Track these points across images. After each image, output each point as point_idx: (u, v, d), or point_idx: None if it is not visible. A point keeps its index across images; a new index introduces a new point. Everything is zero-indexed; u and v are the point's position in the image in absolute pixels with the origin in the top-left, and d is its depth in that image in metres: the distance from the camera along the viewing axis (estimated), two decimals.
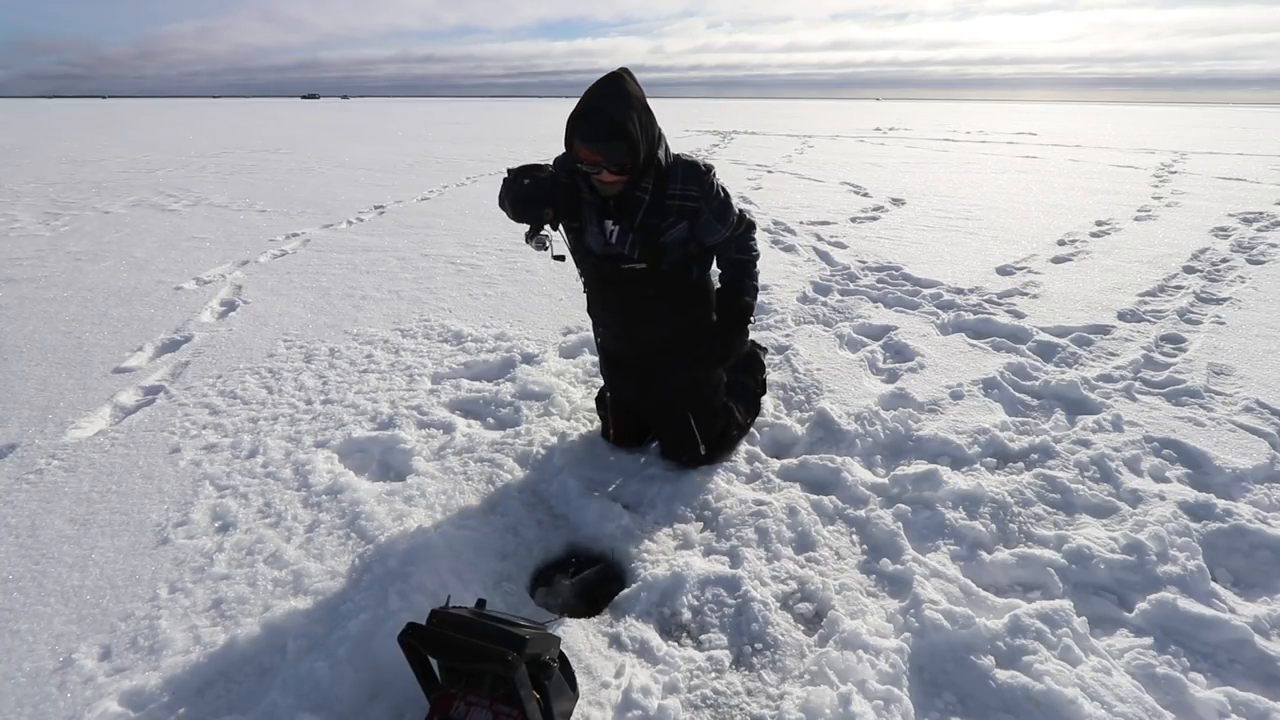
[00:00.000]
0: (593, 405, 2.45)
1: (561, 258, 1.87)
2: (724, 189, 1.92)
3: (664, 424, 2.11)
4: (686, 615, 1.55)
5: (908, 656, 1.42)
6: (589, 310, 2.18)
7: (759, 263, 2.07)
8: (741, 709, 1.33)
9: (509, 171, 1.78)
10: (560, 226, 1.88)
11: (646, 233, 1.85)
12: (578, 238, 1.94)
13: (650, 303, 1.96)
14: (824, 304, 3.83)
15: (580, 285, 2.12)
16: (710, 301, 2.06)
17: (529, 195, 1.71)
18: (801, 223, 6.02)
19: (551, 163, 1.89)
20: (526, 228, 1.76)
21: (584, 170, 1.73)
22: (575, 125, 1.69)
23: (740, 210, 1.98)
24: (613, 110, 1.65)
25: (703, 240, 1.93)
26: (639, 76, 1.76)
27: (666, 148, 1.86)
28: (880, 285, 4.17)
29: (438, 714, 1.07)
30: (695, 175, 1.84)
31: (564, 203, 1.78)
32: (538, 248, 1.78)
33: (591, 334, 3.18)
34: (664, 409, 2.07)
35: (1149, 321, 3.56)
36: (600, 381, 2.64)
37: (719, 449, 2.14)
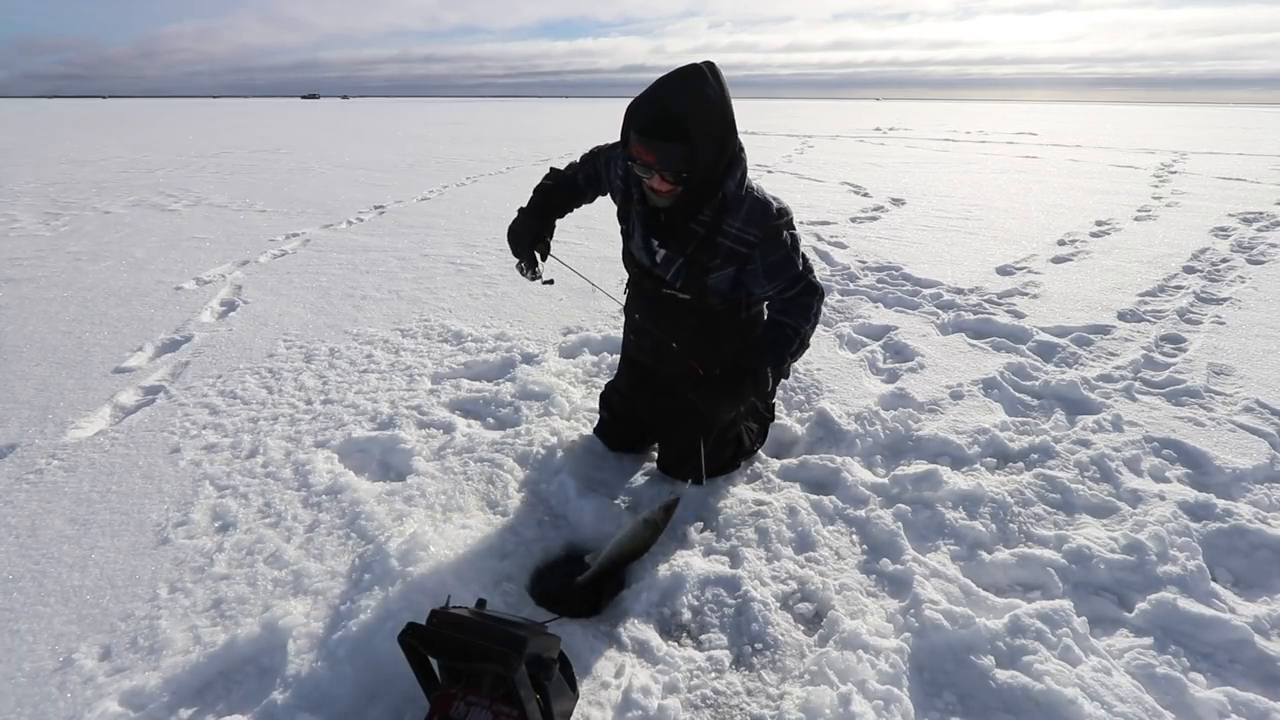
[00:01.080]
0: (593, 405, 2.45)
1: (550, 282, 1.91)
2: (793, 241, 1.64)
3: (671, 440, 2.02)
4: (686, 615, 1.55)
5: (908, 656, 1.42)
6: (625, 311, 2.03)
7: (808, 336, 1.69)
8: (741, 709, 1.33)
9: (541, 185, 1.88)
10: (548, 255, 1.88)
11: (693, 268, 1.65)
12: (625, 239, 1.82)
13: (689, 330, 1.77)
14: (824, 304, 3.82)
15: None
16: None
17: (514, 234, 1.81)
18: (801, 223, 6.01)
19: (595, 152, 1.87)
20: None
21: (636, 171, 1.53)
22: (633, 115, 1.48)
23: (806, 273, 1.67)
24: (677, 107, 1.42)
25: (750, 289, 1.72)
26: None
27: (743, 175, 1.59)
28: (880, 285, 4.17)
29: (438, 714, 1.07)
30: (760, 216, 1.59)
31: (549, 240, 1.85)
32: (529, 278, 1.86)
33: (591, 334, 3.20)
34: (676, 426, 1.95)
35: (1149, 321, 3.56)
36: (600, 380, 2.64)
37: (720, 473, 2.05)
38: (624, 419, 2.14)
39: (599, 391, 2.52)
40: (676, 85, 1.44)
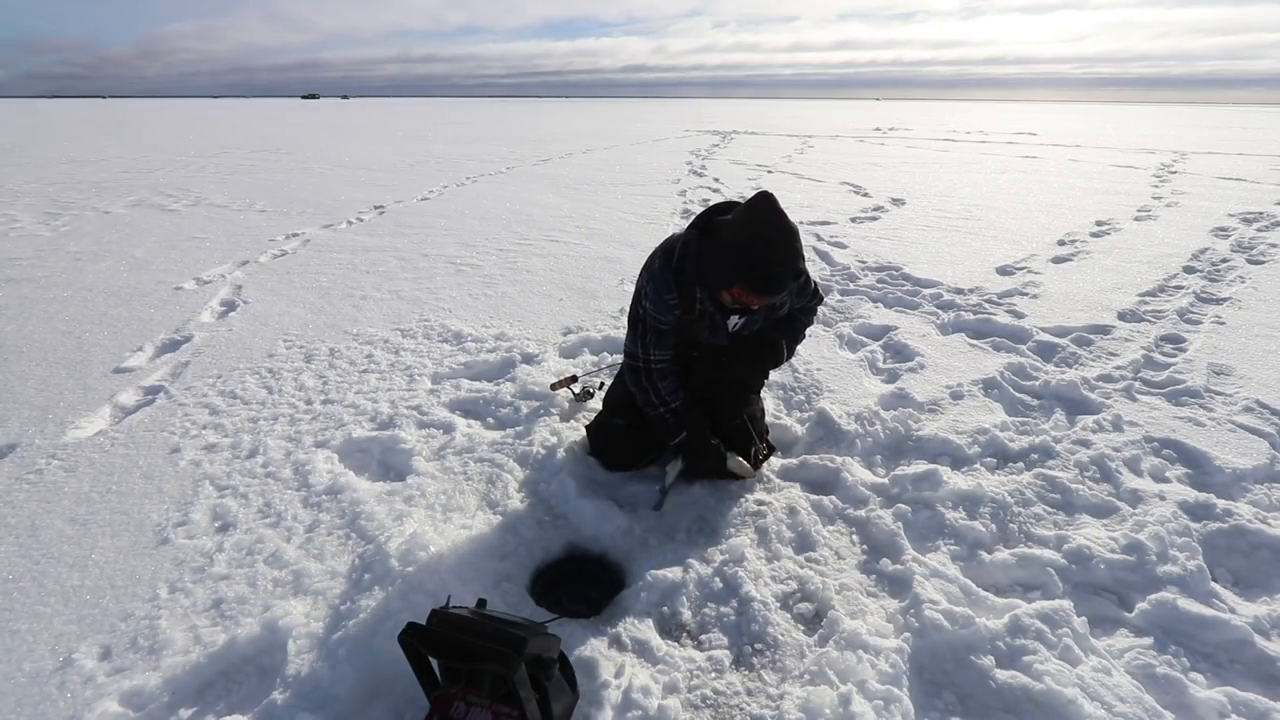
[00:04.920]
0: (594, 405, 2.45)
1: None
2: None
3: (717, 430, 2.02)
4: (686, 615, 1.55)
5: (908, 656, 1.42)
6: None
7: (808, 328, 2.12)
8: (741, 709, 1.33)
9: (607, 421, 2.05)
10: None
11: (771, 312, 1.93)
12: (680, 334, 1.90)
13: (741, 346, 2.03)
14: (824, 304, 3.82)
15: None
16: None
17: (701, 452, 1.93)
18: (801, 223, 6.03)
19: (664, 257, 1.79)
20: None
21: (731, 301, 1.72)
22: (748, 277, 1.60)
23: (816, 288, 2.05)
24: (790, 264, 1.60)
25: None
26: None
27: None
28: (880, 285, 4.17)
29: (437, 714, 1.07)
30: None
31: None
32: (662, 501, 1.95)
33: (591, 333, 3.20)
34: (718, 413, 2.04)
35: (1149, 321, 3.56)
36: (599, 378, 2.64)
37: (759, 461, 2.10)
38: (630, 438, 2.06)
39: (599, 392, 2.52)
40: (782, 244, 1.58)
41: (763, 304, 1.74)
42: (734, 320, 1.90)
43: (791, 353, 2.07)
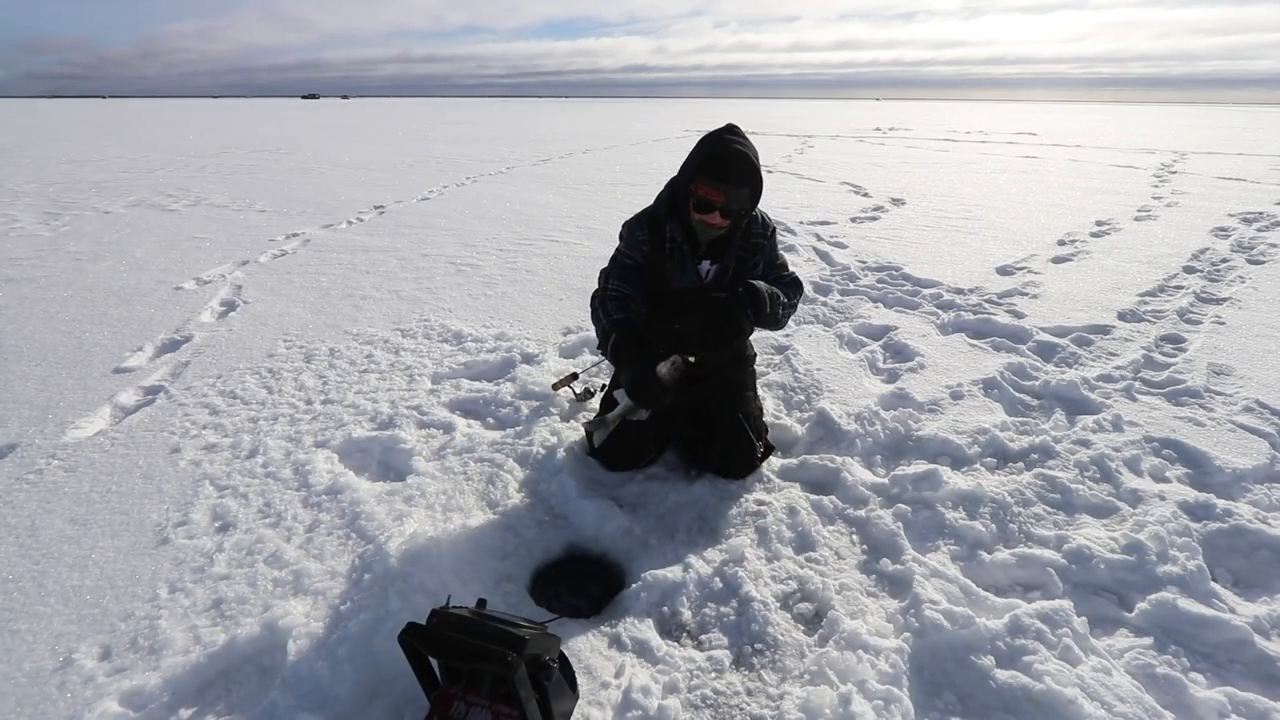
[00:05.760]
0: (593, 405, 2.45)
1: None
2: (779, 249, 2.14)
3: (715, 430, 2.03)
4: (686, 615, 1.55)
5: (908, 656, 1.42)
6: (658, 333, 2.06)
7: (790, 307, 2.05)
8: (741, 709, 1.33)
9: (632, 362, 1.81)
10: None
11: (742, 269, 2.02)
12: (656, 284, 2.01)
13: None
14: (824, 304, 3.83)
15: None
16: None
17: (642, 382, 1.76)
18: (801, 223, 6.03)
19: (654, 206, 2.00)
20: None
21: (695, 210, 1.84)
22: (707, 165, 1.79)
23: (791, 268, 2.13)
24: (748, 157, 1.79)
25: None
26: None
27: None
28: (880, 285, 4.17)
29: (437, 714, 1.07)
30: (765, 224, 2.04)
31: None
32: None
33: (591, 333, 3.20)
34: (715, 412, 2.05)
35: (1149, 321, 3.56)
36: (599, 379, 2.64)
37: (749, 470, 2.07)
38: (629, 437, 2.01)
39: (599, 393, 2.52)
40: (741, 142, 1.81)
41: (723, 201, 1.79)
42: (706, 267, 2.00)
43: (774, 306, 1.89)
